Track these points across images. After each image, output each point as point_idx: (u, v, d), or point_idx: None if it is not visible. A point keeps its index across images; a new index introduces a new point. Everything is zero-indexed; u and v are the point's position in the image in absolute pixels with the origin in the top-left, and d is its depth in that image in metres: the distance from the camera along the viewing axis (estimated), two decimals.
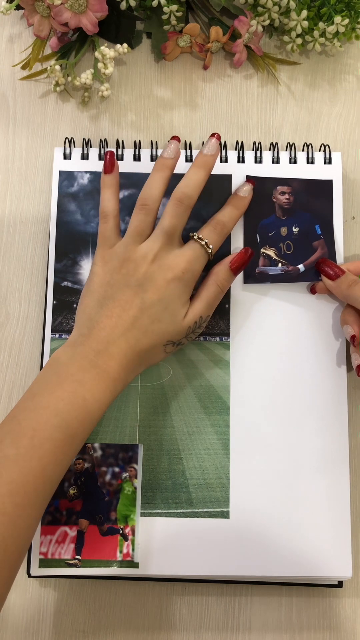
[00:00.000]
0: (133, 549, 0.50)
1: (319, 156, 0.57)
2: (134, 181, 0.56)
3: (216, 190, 0.55)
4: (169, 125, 0.60)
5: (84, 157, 0.57)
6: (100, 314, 0.48)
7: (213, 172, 0.52)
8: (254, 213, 0.55)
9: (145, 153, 0.57)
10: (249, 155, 0.57)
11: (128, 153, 0.57)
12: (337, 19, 0.55)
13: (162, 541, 0.51)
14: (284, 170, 0.57)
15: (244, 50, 0.59)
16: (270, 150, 0.58)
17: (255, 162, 0.57)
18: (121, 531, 0.51)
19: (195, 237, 0.50)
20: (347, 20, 0.56)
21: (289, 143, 0.58)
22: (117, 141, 0.58)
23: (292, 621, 0.52)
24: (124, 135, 0.59)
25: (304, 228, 0.55)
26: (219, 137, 0.52)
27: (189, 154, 0.57)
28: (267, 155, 0.57)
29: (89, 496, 0.51)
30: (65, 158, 0.57)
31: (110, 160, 0.54)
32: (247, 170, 0.56)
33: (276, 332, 0.54)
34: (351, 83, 0.61)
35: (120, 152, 0.57)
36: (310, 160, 0.57)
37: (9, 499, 0.40)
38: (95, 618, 0.53)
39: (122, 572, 0.50)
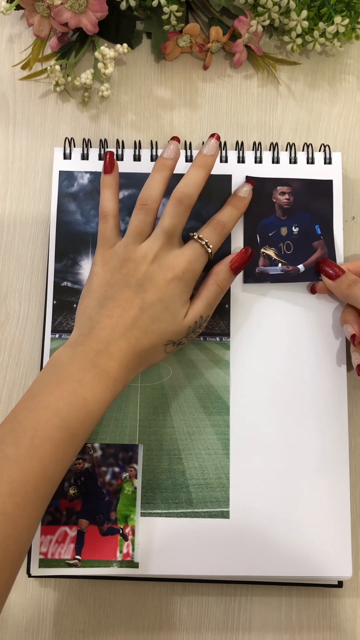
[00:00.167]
0: (133, 549, 0.50)
1: (319, 156, 0.57)
2: (134, 181, 0.56)
3: (216, 190, 0.55)
4: (169, 125, 0.60)
5: (84, 157, 0.57)
6: (100, 314, 0.48)
7: (213, 172, 0.52)
8: (254, 213, 0.55)
9: (145, 153, 0.57)
10: (249, 155, 0.57)
11: (128, 153, 0.57)
12: (337, 19, 0.55)
13: (162, 541, 0.51)
14: (284, 170, 0.57)
15: (244, 50, 0.59)
16: (270, 150, 0.58)
17: (255, 162, 0.57)
18: (121, 531, 0.51)
19: (195, 237, 0.50)
20: (347, 20, 0.56)
21: (289, 143, 0.58)
22: (117, 141, 0.58)
23: (292, 621, 0.52)
24: (124, 135, 0.59)
25: (304, 228, 0.55)
26: (218, 138, 0.52)
27: (188, 154, 0.57)
28: (267, 156, 0.57)
29: (89, 496, 0.51)
30: (65, 158, 0.57)
31: (110, 160, 0.54)
32: (247, 170, 0.57)
33: (276, 332, 0.54)
34: (351, 83, 0.61)
35: (120, 152, 0.57)
36: (310, 160, 0.57)
37: (10, 499, 0.40)
38: (95, 618, 0.53)
39: (122, 572, 0.50)
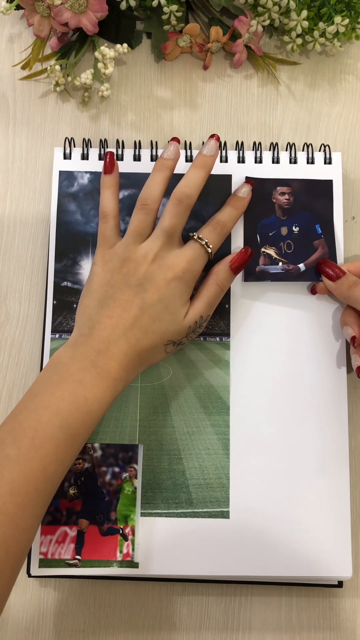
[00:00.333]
0: (133, 549, 0.50)
1: (319, 156, 0.57)
2: (134, 181, 0.56)
3: (216, 190, 0.55)
4: (169, 125, 0.60)
5: (84, 157, 0.57)
6: (100, 314, 0.48)
7: (213, 172, 0.52)
8: (254, 213, 0.55)
9: (145, 153, 0.57)
10: (249, 155, 0.57)
11: (128, 153, 0.57)
12: (337, 19, 0.55)
13: (162, 541, 0.51)
14: (284, 170, 0.57)
15: (244, 50, 0.59)
16: (270, 150, 0.58)
17: (255, 162, 0.57)
18: (121, 531, 0.51)
19: (195, 237, 0.50)
20: (347, 20, 0.56)
21: (289, 143, 0.58)
22: (117, 141, 0.58)
23: (292, 621, 0.52)
24: (124, 135, 0.59)
25: (304, 227, 0.55)
26: (218, 139, 0.52)
27: (188, 154, 0.57)
28: (267, 155, 0.57)
29: (89, 496, 0.51)
30: (65, 158, 0.57)
31: (110, 161, 0.54)
32: (247, 170, 0.57)
33: (276, 332, 0.54)
34: (351, 83, 0.61)
35: (120, 152, 0.57)
36: (310, 160, 0.57)
37: (10, 499, 0.40)
38: (95, 618, 0.53)
39: (122, 572, 0.50)
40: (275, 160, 0.57)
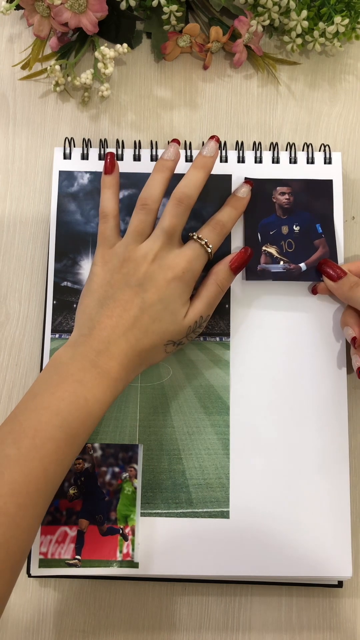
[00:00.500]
0: (133, 549, 0.50)
1: (319, 156, 0.57)
2: (134, 181, 0.56)
3: (216, 190, 0.55)
4: (169, 125, 0.60)
5: (84, 157, 0.57)
6: (100, 314, 0.48)
7: (213, 172, 0.52)
8: (254, 213, 0.55)
9: (145, 153, 0.57)
10: (249, 155, 0.57)
11: (128, 153, 0.57)
12: (337, 19, 0.55)
13: (162, 541, 0.51)
14: (284, 170, 0.57)
15: (244, 50, 0.59)
16: (270, 150, 0.58)
17: (255, 162, 0.57)
18: (121, 531, 0.51)
19: (195, 237, 0.50)
20: (347, 20, 0.56)
21: (289, 143, 0.58)
22: (117, 141, 0.58)
23: (292, 621, 0.52)
24: (124, 135, 0.59)
25: (305, 227, 0.55)
26: (218, 140, 0.52)
27: (188, 154, 0.57)
28: (267, 155, 0.57)
29: (89, 496, 0.51)
30: (65, 158, 0.57)
31: (110, 161, 0.54)
32: (247, 170, 0.57)
33: (276, 332, 0.54)
34: (351, 83, 0.61)
35: (120, 152, 0.57)
36: (310, 160, 0.57)
37: (11, 499, 0.40)
38: (95, 618, 0.53)
39: (122, 572, 0.50)
40: (275, 160, 0.57)
